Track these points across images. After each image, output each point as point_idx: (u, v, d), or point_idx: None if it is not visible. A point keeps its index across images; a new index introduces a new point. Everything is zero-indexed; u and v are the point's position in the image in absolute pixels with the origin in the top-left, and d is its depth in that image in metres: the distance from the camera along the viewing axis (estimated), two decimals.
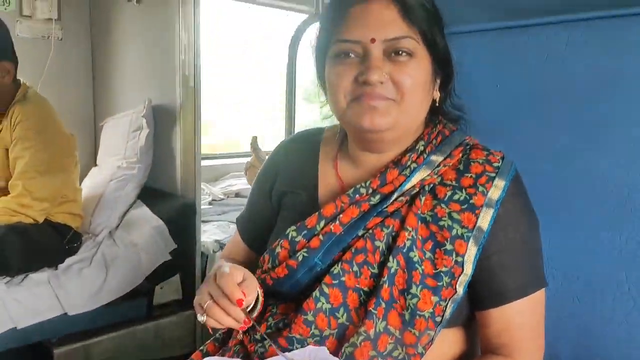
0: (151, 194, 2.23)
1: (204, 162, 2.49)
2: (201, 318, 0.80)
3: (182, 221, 2.11)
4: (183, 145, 2.19)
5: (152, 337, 2.03)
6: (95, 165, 2.46)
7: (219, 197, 2.98)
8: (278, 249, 0.88)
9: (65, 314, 1.79)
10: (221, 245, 2.26)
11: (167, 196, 2.23)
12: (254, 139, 2.91)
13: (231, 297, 0.77)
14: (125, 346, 1.96)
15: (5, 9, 2.26)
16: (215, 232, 2.37)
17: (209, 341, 1.05)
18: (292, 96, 1.60)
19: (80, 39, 2.53)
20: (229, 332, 1.09)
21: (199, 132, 2.14)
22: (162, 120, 2.25)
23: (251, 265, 1.01)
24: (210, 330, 0.88)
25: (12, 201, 1.75)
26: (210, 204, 2.83)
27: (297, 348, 0.81)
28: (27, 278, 1.77)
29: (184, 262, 2.10)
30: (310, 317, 0.81)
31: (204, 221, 2.40)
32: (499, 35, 1.04)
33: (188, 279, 2.13)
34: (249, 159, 3.08)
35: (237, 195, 3.04)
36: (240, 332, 0.88)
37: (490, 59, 1.06)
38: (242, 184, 3.11)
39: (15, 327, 1.70)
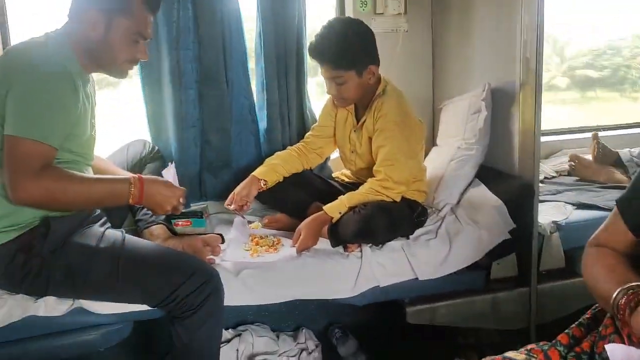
0: (488, 173, 2.34)
1: None
2: None
3: (519, 201, 2.15)
4: (521, 126, 2.23)
5: (488, 308, 2.16)
6: (434, 145, 2.69)
7: (550, 175, 2.91)
8: None
9: (416, 278, 2.04)
10: (558, 227, 2.23)
11: (504, 176, 2.31)
12: (595, 134, 2.85)
13: None
14: (464, 313, 2.14)
15: (363, 10, 2.62)
16: (551, 212, 2.34)
17: (573, 325, 1.11)
18: None
19: (423, 29, 2.77)
20: (595, 319, 1.12)
21: (539, 112, 2.13)
22: (500, 102, 2.33)
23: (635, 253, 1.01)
24: None
25: (377, 184, 2.07)
26: (541, 182, 2.79)
27: None
28: (386, 245, 2.08)
29: (521, 241, 2.15)
30: None
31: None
32: None
33: (524, 257, 2.18)
34: (583, 135, 2.95)
35: (570, 174, 2.92)
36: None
37: None
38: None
39: (378, 285, 2.02)
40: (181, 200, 1.70)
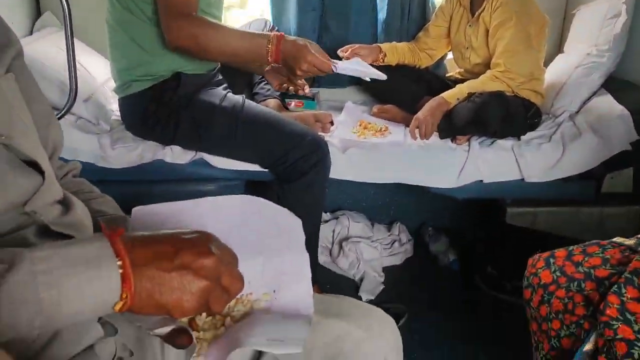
0: (618, 84, 2.18)
1: None
2: None
3: None
4: None
5: (595, 221, 2.07)
6: (560, 52, 2.53)
7: None
8: None
9: (522, 179, 2.00)
10: None
11: (633, 88, 2.15)
12: None
13: None
14: (568, 222, 2.08)
15: None
16: None
17: None
18: None
19: None
20: None
21: None
22: None
23: None
24: None
25: (497, 71, 2.04)
26: None
27: None
28: (495, 142, 2.04)
29: None
30: None
31: None
32: None
33: None
34: None
35: None
36: None
37: None
38: None
39: (482, 181, 2.01)
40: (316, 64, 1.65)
